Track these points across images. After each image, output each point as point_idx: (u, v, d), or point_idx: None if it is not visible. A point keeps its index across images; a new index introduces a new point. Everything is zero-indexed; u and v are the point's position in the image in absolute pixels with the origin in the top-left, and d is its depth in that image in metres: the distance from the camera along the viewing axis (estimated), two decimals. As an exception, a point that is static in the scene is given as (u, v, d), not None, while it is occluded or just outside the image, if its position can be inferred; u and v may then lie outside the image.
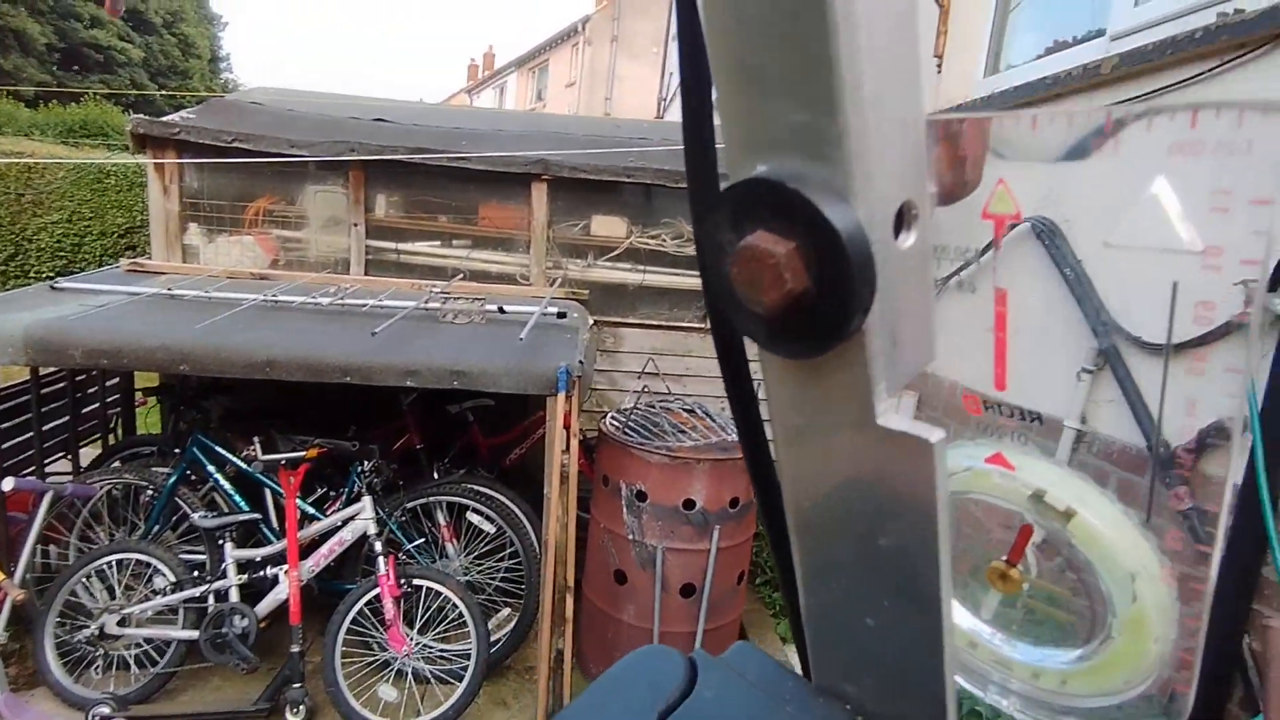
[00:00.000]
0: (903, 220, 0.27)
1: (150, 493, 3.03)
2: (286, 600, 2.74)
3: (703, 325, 3.96)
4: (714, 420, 3.11)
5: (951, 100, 4.05)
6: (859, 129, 0.24)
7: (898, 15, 0.25)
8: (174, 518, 3.06)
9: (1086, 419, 0.47)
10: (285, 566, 2.76)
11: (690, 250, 3.97)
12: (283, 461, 2.86)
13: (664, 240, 3.97)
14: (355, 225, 3.72)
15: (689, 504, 2.76)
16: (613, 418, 3.04)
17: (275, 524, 3.05)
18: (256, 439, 2.97)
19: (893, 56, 0.25)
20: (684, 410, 3.24)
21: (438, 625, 2.85)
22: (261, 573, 2.81)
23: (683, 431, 2.97)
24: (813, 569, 0.34)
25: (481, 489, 3.21)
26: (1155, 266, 0.40)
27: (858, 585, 0.32)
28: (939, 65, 4.15)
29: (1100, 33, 2.95)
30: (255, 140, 3.56)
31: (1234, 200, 0.35)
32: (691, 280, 4.00)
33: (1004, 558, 0.48)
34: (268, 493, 3.06)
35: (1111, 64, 2.59)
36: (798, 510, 0.33)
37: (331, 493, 3.13)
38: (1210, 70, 2.47)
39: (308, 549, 2.85)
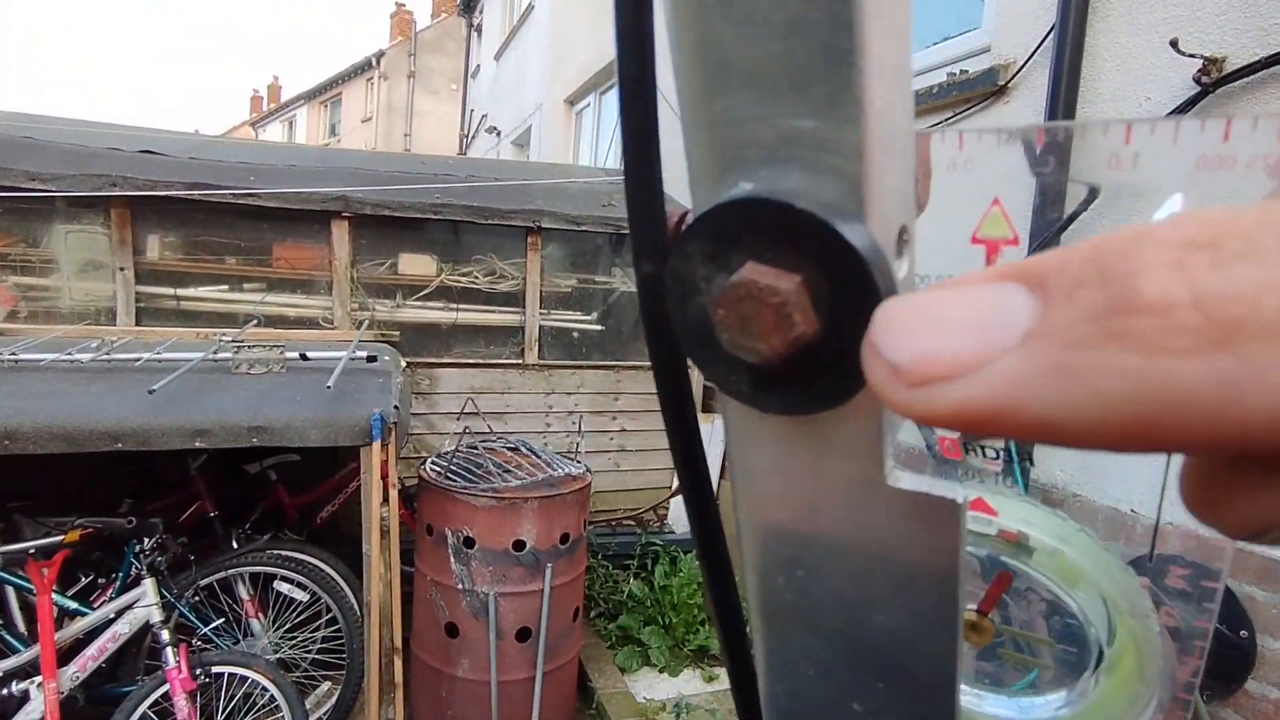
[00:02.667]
0: (900, 247, 0.23)
1: None
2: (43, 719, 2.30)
3: (520, 361, 3.94)
4: (539, 456, 3.09)
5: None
6: (876, 137, 0.21)
7: (903, 3, 0.22)
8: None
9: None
10: (39, 678, 2.32)
11: (504, 287, 3.94)
12: (30, 550, 2.41)
13: (476, 277, 3.91)
14: (122, 269, 3.28)
15: (519, 545, 2.71)
16: (433, 463, 2.91)
17: (22, 627, 2.56)
18: (-7, 526, 2.49)
19: (899, 50, 0.22)
20: (507, 448, 3.19)
21: (245, 716, 2.53)
22: (5, 690, 2.33)
23: (508, 470, 2.91)
24: (782, 653, 0.28)
25: (289, 554, 2.93)
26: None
27: (843, 668, 0.27)
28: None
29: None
30: (-21, 173, 3.04)
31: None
32: (507, 317, 3.97)
33: (973, 607, 0.45)
34: (10, 591, 2.56)
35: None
36: (768, 588, 0.28)
37: (100, 580, 2.69)
38: (945, 120, 2.90)
39: (70, 652, 2.42)
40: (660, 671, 3.39)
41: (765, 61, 0.21)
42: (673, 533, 4.15)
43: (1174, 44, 2.00)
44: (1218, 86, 1.95)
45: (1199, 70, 1.97)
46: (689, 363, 0.27)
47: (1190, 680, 0.40)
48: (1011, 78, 2.61)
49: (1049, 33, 2.41)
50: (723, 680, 3.35)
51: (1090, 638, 0.43)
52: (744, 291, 0.21)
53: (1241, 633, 1.84)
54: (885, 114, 0.21)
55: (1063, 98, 2.33)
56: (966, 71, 2.82)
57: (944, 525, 0.23)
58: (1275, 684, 1.82)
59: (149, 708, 2.38)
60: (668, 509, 4.23)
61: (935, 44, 3.17)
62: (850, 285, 0.20)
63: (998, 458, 0.44)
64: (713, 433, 4.25)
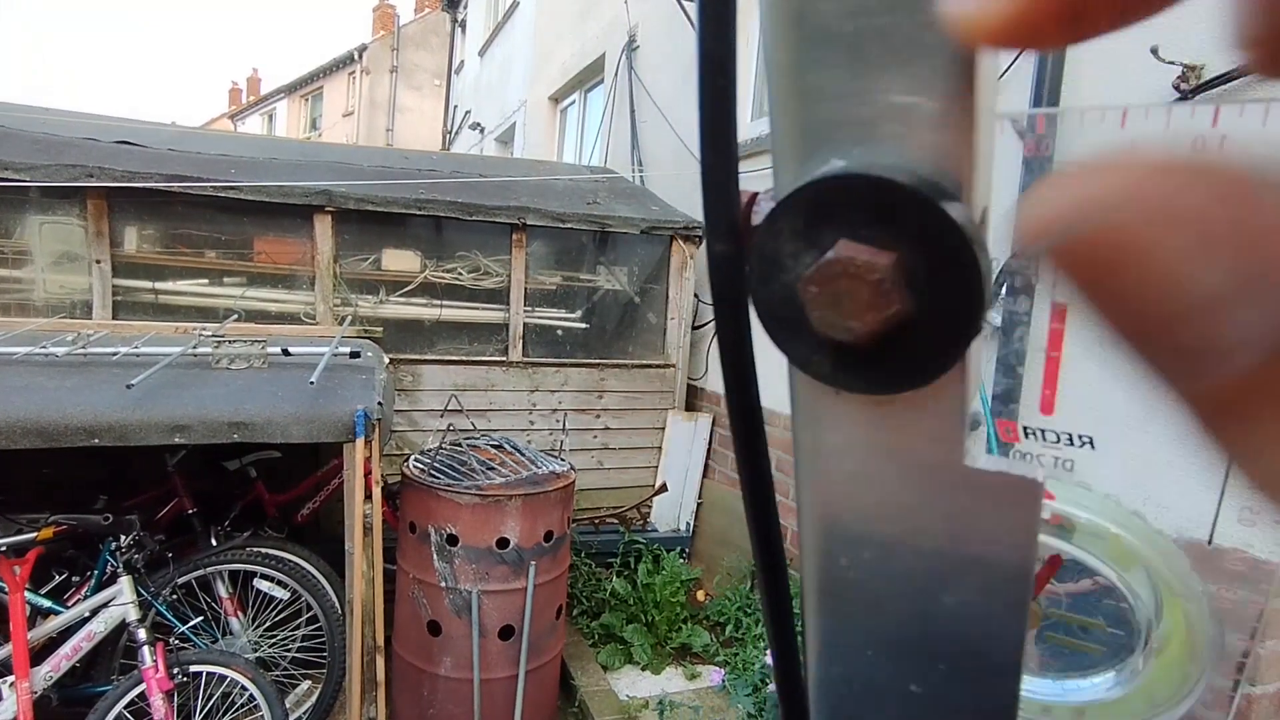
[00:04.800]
0: (983, 229, 0.23)
1: None
2: None
3: (504, 358, 3.92)
4: (523, 454, 3.07)
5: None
6: (981, 115, 0.20)
7: None
8: None
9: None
10: (11, 677, 2.27)
11: (489, 283, 3.93)
12: (2, 548, 2.36)
13: (460, 274, 3.88)
14: (98, 262, 3.22)
15: (503, 543, 2.70)
16: (416, 460, 2.89)
17: (-6, 625, 2.51)
18: (-37, 524, 2.44)
19: None
20: (491, 446, 3.17)
21: (224, 715, 2.50)
22: (-23, 688, 2.29)
23: (492, 468, 2.90)
24: (842, 635, 0.28)
25: (270, 551, 2.89)
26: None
27: (905, 650, 0.27)
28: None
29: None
30: (-49, 162, 2.97)
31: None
32: (492, 314, 3.95)
33: None
34: (-18, 589, 2.51)
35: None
36: (829, 567, 0.27)
37: (75, 578, 2.64)
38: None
39: (43, 651, 2.38)
40: (643, 669, 3.39)
41: (868, 35, 0.20)
42: (656, 531, 4.16)
43: (1154, 51, 2.03)
44: (1196, 93, 1.99)
45: (1178, 77, 2.01)
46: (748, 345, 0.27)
47: (1241, 661, 0.40)
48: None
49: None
50: (705, 678, 3.36)
51: (1140, 620, 0.43)
52: (840, 269, 0.21)
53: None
54: (982, 90, 0.20)
55: (1044, 101, 2.36)
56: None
57: (1022, 506, 0.23)
58: (1247, 679, 1.86)
59: (125, 708, 2.34)
60: (650, 507, 4.23)
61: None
62: (952, 263, 0.20)
63: (1057, 441, 0.44)
64: (695, 431, 4.27)
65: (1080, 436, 0.42)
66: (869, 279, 0.20)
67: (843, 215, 0.21)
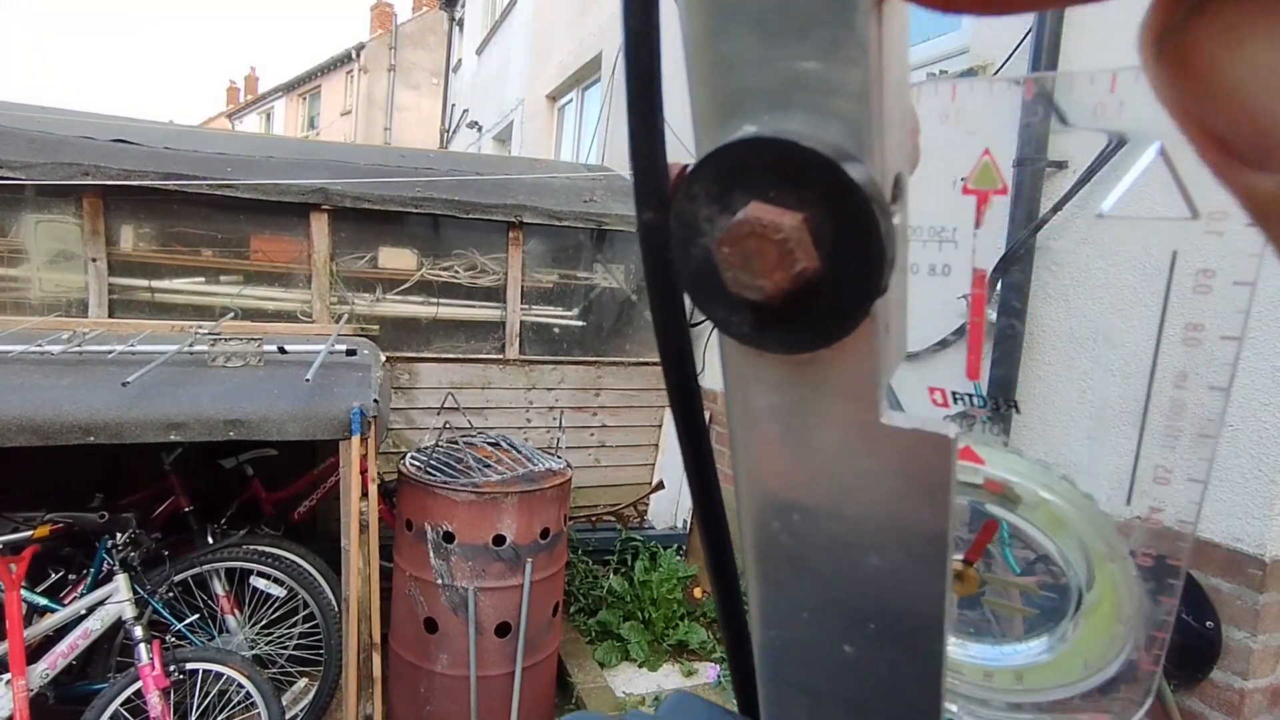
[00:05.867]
0: (895, 194, 0.23)
1: None
2: (11, 717, 2.25)
3: (501, 356, 3.92)
4: (519, 451, 3.08)
5: (723, 140, 4.42)
6: (878, 80, 0.21)
7: None
8: None
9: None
10: (7, 675, 2.28)
11: (485, 282, 3.93)
12: (-1, 546, 2.36)
13: (457, 272, 3.88)
14: (94, 260, 3.22)
15: (499, 540, 2.70)
16: (413, 457, 2.89)
17: (-8, 623, 2.51)
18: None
19: None
20: (487, 444, 3.18)
21: (220, 713, 2.50)
22: (-26, 686, 2.29)
23: (488, 465, 2.90)
24: (777, 598, 0.29)
25: (266, 549, 2.89)
26: (1151, 235, 0.38)
27: (836, 611, 0.28)
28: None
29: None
30: (-53, 161, 2.97)
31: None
32: (488, 312, 3.95)
33: (959, 557, 0.45)
34: (-21, 586, 2.51)
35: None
36: (763, 533, 0.28)
37: (71, 576, 2.65)
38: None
39: (39, 649, 2.38)
40: (639, 666, 3.40)
41: (770, 6, 0.21)
42: (652, 528, 4.16)
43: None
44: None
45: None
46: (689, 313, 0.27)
47: (1165, 619, 0.41)
48: (989, 78, 2.65)
49: (1025, 36, 2.45)
50: (702, 674, 3.37)
51: (1071, 584, 0.44)
52: (748, 229, 0.21)
53: (1208, 623, 1.89)
54: (887, 58, 0.21)
55: (1043, 66, 2.37)
56: (946, 71, 2.86)
57: (936, 463, 0.23)
58: (1239, 673, 1.87)
59: (121, 705, 2.34)
60: (647, 505, 4.23)
61: (916, 44, 3.20)
62: (852, 222, 0.21)
63: (984, 405, 0.45)
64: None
65: (1006, 400, 0.44)
66: (774, 238, 0.21)
67: (753, 178, 0.21)
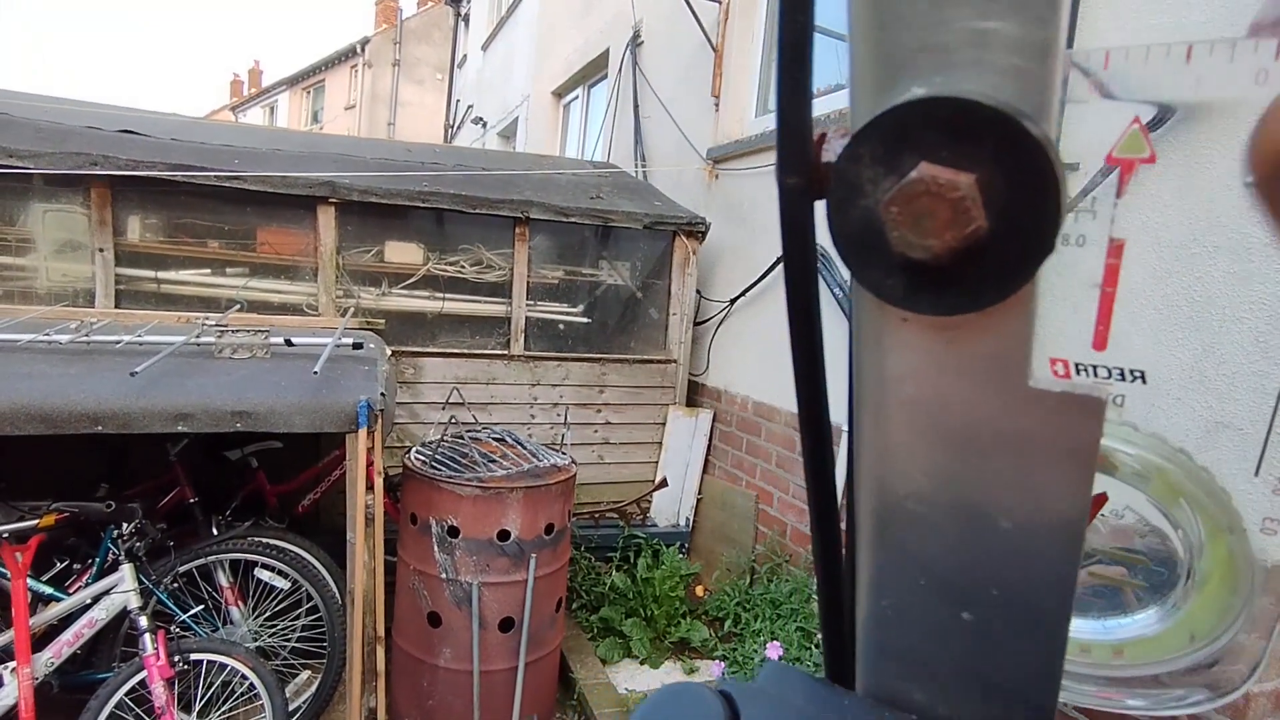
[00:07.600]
0: None
1: None
2: (16, 705, 2.26)
3: (506, 352, 3.92)
4: (524, 447, 3.08)
5: (729, 136, 4.41)
6: (1062, 39, 0.21)
7: None
8: None
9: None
10: (13, 663, 2.28)
11: (491, 277, 3.93)
12: (4, 534, 2.37)
13: (463, 267, 3.88)
14: (101, 250, 3.22)
15: (504, 535, 2.70)
16: (418, 452, 2.89)
17: (-3, 611, 2.51)
18: (-34, 510, 2.43)
19: None
20: (493, 439, 3.18)
21: (223, 704, 2.51)
22: (-20, 673, 2.29)
23: (493, 461, 2.90)
24: (895, 566, 0.29)
25: (270, 541, 2.90)
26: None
27: (958, 576, 0.27)
28: (716, 104, 4.51)
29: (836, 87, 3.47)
30: (-44, 149, 2.97)
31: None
32: (494, 307, 3.95)
33: None
34: (-15, 574, 2.52)
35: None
36: (885, 500, 0.28)
37: (76, 566, 2.65)
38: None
39: (44, 638, 2.38)
40: (641, 663, 3.40)
41: None
42: (655, 526, 4.16)
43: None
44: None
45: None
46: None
47: None
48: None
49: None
50: (704, 672, 3.37)
51: (1181, 556, 0.43)
52: (921, 188, 0.21)
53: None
54: (1062, 19, 0.21)
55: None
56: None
57: (1084, 426, 0.23)
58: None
59: (125, 695, 2.35)
60: (650, 502, 4.24)
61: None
62: (1031, 181, 0.20)
63: (1109, 376, 0.44)
64: (696, 426, 4.27)
65: (1132, 371, 0.42)
66: (950, 197, 0.21)
67: (922, 139, 0.21)
